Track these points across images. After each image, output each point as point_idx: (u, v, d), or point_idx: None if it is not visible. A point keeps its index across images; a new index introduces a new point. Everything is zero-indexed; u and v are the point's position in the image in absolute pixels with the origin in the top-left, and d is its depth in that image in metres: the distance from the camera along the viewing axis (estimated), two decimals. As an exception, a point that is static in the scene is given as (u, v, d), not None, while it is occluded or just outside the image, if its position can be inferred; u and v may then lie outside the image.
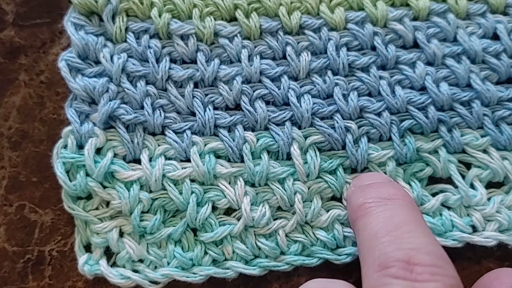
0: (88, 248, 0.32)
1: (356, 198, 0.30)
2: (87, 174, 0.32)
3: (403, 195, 0.30)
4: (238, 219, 0.33)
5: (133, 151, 0.33)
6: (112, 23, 0.34)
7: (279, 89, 0.34)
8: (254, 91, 0.34)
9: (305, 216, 0.33)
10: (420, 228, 0.27)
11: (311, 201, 0.33)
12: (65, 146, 0.32)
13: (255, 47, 0.35)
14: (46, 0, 0.36)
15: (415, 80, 0.34)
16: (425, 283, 0.24)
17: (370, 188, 0.30)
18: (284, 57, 0.35)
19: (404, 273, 0.25)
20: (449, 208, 0.34)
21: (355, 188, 0.31)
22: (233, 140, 0.33)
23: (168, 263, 0.32)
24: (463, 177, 0.34)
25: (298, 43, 0.35)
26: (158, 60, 0.34)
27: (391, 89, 0.34)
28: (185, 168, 0.33)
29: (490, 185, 0.34)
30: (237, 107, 0.34)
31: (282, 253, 0.33)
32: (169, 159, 0.33)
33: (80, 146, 0.33)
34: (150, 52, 0.34)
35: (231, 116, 0.34)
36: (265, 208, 0.33)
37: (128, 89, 0.33)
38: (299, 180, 0.33)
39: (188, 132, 0.33)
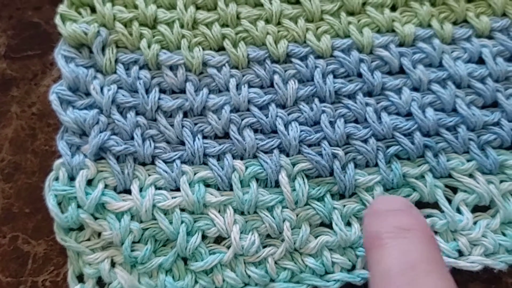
0: (80, 278, 0.33)
1: (371, 226, 0.28)
2: (79, 206, 0.33)
3: (422, 226, 0.27)
4: (228, 247, 0.33)
5: (124, 181, 0.33)
6: (102, 55, 0.35)
7: (267, 117, 0.34)
8: (242, 120, 0.34)
9: (294, 243, 0.33)
10: (438, 269, 0.25)
11: (300, 228, 0.33)
12: (57, 178, 0.33)
13: (243, 76, 0.35)
14: (37, 32, 0.37)
15: (401, 106, 0.35)
16: None
17: (387, 216, 0.28)
18: (272, 85, 0.35)
19: None
20: (436, 232, 0.34)
21: (372, 212, 0.29)
22: (222, 168, 0.34)
23: (160, 293, 0.33)
24: (450, 201, 0.34)
25: (285, 71, 0.35)
26: (147, 91, 0.34)
27: (377, 116, 0.35)
28: (175, 197, 0.33)
29: (476, 208, 0.35)
30: (226, 135, 0.35)
31: (272, 280, 0.33)
32: (159, 188, 0.34)
33: (72, 178, 0.33)
34: (140, 83, 0.34)
35: (220, 144, 0.34)
36: (254, 236, 0.33)
37: (118, 120, 0.34)
38: (287, 208, 0.33)
39: (178, 161, 0.34)
